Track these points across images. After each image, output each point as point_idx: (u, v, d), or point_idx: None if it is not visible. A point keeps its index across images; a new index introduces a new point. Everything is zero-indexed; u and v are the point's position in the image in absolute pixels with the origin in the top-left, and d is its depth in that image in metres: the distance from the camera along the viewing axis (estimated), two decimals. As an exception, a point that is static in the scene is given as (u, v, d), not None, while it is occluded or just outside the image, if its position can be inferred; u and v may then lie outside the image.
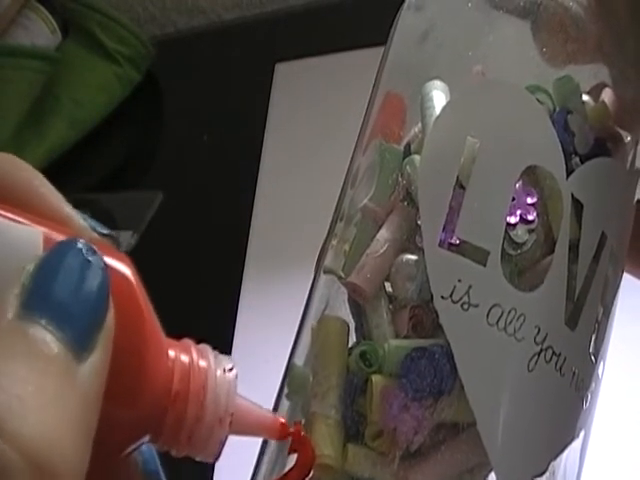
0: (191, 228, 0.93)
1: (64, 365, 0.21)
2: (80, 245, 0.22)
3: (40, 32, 1.05)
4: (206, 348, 0.26)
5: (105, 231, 0.24)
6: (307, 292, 0.32)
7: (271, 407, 0.31)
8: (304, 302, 0.32)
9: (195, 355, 0.25)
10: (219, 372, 0.25)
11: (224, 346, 0.77)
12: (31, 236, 0.23)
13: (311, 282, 0.32)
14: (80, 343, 0.21)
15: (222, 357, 0.26)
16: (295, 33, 1.04)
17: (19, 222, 0.23)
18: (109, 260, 0.24)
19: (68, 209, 0.25)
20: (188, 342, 0.26)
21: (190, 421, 0.25)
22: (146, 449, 0.27)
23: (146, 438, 0.25)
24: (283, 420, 0.27)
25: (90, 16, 1.05)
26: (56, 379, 0.21)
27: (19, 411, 0.20)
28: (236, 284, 0.83)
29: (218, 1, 1.11)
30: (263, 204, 0.90)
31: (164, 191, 0.95)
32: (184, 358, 0.25)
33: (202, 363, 0.25)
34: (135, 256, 0.88)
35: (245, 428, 0.26)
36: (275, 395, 0.31)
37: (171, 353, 0.25)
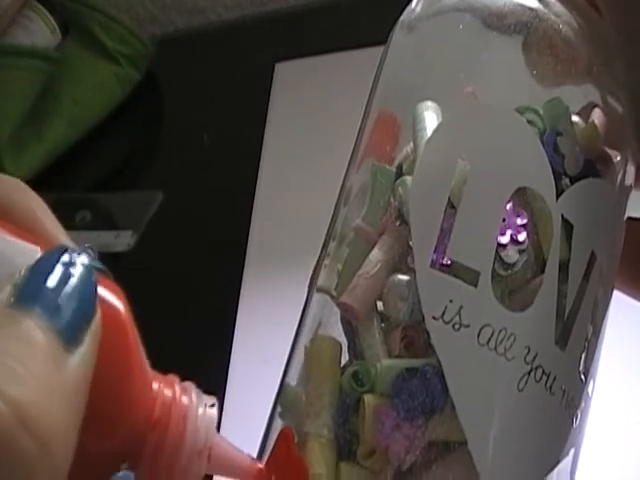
0: (191, 228, 0.93)
1: (52, 352, 0.22)
2: (69, 250, 0.24)
3: (40, 32, 1.05)
4: (190, 385, 0.27)
5: (100, 266, 0.25)
6: (304, 298, 0.32)
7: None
8: (298, 319, 0.32)
9: (178, 389, 0.26)
10: (200, 407, 0.26)
11: (224, 346, 0.77)
12: (30, 251, 0.24)
13: (304, 300, 0.32)
14: (68, 335, 0.22)
15: (204, 395, 0.27)
16: (295, 33, 1.04)
17: (20, 240, 0.24)
18: (102, 291, 0.24)
19: (66, 239, 0.26)
20: (173, 378, 0.27)
21: (169, 450, 0.25)
22: (124, 477, 0.28)
23: (125, 465, 0.25)
24: (261, 466, 0.27)
25: (90, 16, 1.05)
26: (44, 363, 0.21)
27: (7, 374, 0.20)
28: (236, 284, 0.84)
29: (218, 1, 1.11)
30: (263, 204, 0.90)
31: (164, 191, 0.95)
32: (167, 391, 0.26)
33: (184, 397, 0.26)
34: (135, 256, 0.88)
35: (223, 466, 0.26)
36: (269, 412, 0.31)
37: (155, 385, 0.26)
